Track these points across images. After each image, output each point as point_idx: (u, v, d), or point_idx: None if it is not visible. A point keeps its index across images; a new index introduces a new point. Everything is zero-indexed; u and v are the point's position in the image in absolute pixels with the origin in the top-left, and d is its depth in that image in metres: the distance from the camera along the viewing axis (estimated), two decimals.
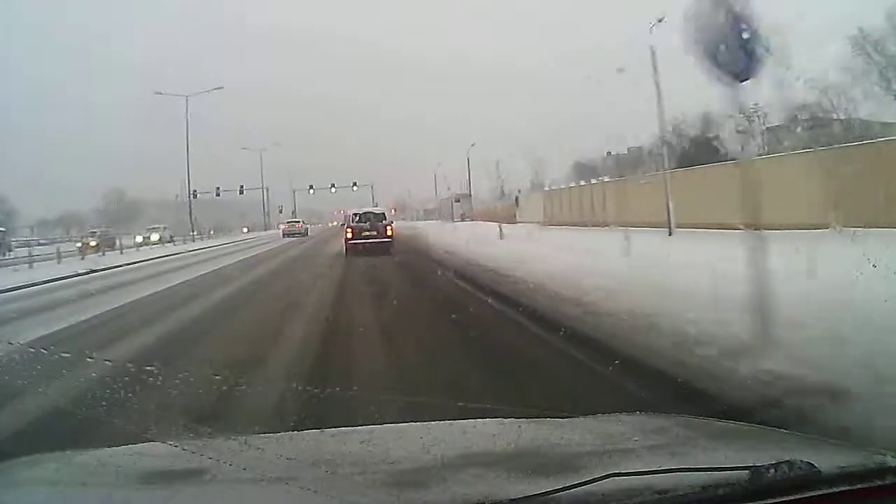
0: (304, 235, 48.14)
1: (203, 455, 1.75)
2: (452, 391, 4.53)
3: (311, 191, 75.18)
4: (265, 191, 74.78)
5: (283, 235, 48.00)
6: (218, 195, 68.26)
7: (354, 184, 73.71)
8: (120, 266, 22.71)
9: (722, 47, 4.78)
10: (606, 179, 38.86)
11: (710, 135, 35.93)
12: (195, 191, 66.46)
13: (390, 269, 16.44)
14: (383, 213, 23.20)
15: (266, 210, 77.55)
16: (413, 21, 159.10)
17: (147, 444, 2.18)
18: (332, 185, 74.34)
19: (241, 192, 69.98)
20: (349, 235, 22.02)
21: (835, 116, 31.40)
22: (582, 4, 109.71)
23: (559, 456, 1.78)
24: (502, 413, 2.37)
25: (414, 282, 13.70)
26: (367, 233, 21.88)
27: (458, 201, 60.28)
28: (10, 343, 5.85)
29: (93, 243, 33.93)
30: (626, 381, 4.64)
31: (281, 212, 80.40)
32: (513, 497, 1.26)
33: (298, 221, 54.98)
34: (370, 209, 23.67)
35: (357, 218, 22.57)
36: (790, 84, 24.34)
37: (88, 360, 5.24)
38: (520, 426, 2.14)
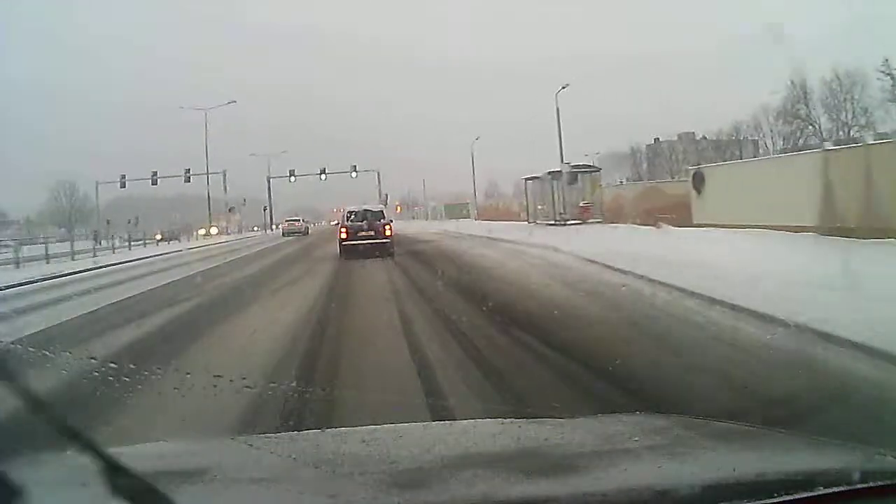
0: (304, 234, 47.96)
1: (203, 455, 1.76)
2: None
3: (293, 178, 60.55)
4: (224, 176, 55.86)
5: (283, 234, 48.04)
6: (154, 183, 54.24)
7: (354, 168, 60.40)
8: None
9: None
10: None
11: None
12: (123, 176, 53.33)
13: None
14: (381, 212, 21.10)
15: (226, 206, 61.18)
16: (412, 18, 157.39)
17: (147, 444, 2.19)
18: (323, 172, 59.90)
19: (188, 180, 53.99)
20: (344, 236, 19.80)
21: None
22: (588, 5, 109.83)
23: (559, 456, 1.78)
24: (502, 413, 2.37)
25: None
26: (364, 233, 19.68)
27: (574, 182, 29.45)
28: None
29: None
30: None
31: (244, 204, 65.49)
32: (513, 497, 1.27)
33: (298, 220, 54.06)
34: (368, 207, 21.36)
35: (352, 216, 20.34)
36: None
37: None
38: (520, 426, 2.16)
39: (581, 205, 28.60)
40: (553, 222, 29.39)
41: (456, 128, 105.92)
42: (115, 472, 1.76)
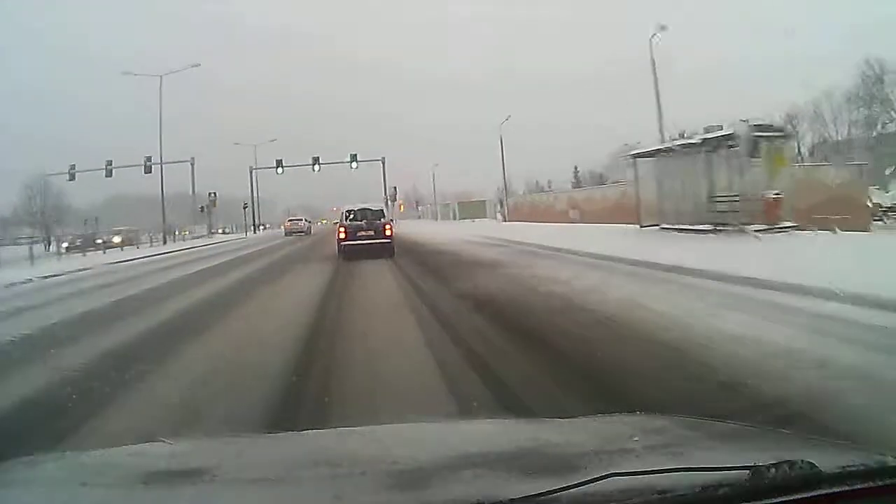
0: (307, 234, 46.57)
1: (203, 455, 1.77)
2: None
3: (281, 170, 54.04)
4: (192, 167, 48.20)
5: (286, 234, 46.70)
6: (109, 175, 47.99)
7: (354, 158, 53.54)
8: None
9: None
10: None
11: None
12: (72, 166, 48.15)
13: None
14: (381, 211, 20.13)
15: (202, 206, 52.96)
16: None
17: (147, 444, 2.21)
18: (315, 162, 53.33)
19: (148, 171, 46.54)
20: (342, 236, 19.06)
21: None
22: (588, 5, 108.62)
23: (559, 456, 1.77)
24: (502, 413, 2.37)
25: None
26: (364, 233, 18.88)
27: (755, 152, 15.26)
28: None
29: None
30: None
31: (215, 200, 54.03)
32: (513, 497, 1.26)
33: (301, 219, 51.92)
34: (367, 206, 20.23)
35: (351, 216, 19.47)
36: None
37: None
38: (520, 426, 2.18)
39: (768, 197, 15.38)
40: (709, 227, 16.27)
41: (457, 129, 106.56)
42: (113, 472, 1.78)
